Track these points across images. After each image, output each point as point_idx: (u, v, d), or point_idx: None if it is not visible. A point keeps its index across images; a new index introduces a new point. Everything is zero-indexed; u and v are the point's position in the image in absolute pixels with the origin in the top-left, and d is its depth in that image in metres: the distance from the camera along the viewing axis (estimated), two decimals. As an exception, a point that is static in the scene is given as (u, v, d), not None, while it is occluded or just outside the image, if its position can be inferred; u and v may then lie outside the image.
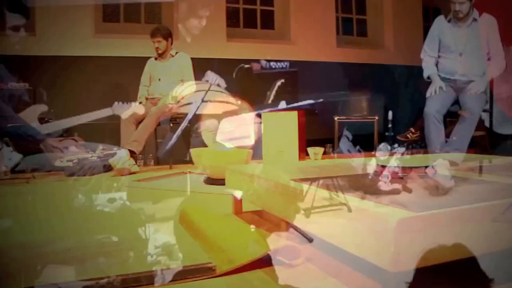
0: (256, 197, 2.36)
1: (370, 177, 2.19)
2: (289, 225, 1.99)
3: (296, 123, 3.77)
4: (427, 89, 5.31)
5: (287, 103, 5.20)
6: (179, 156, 4.80)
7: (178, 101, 4.90)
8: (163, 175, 4.22)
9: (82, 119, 4.79)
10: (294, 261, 1.78)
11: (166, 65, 5.09)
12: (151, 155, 5.18)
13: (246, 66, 5.83)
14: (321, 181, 2.07)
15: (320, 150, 4.31)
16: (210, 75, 4.88)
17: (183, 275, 1.64)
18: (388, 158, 2.37)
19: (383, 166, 2.14)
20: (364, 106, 6.01)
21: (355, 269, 1.64)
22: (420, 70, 5.86)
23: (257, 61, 5.94)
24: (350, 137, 5.10)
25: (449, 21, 4.32)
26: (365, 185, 1.99)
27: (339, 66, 6.38)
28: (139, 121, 4.72)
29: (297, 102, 5.32)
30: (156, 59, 5.15)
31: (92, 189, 3.73)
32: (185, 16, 5.93)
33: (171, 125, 4.91)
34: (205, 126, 5.37)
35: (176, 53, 5.12)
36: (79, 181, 3.98)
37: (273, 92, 5.81)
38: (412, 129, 5.50)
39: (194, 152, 3.76)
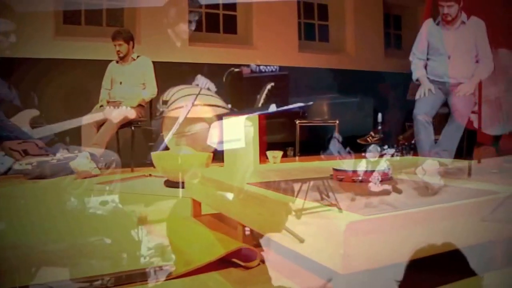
0: (213, 200, 2.39)
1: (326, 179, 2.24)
2: (245, 228, 2.02)
3: (257, 126, 3.81)
4: (390, 94, 5.41)
5: (277, 106, 5.25)
6: (141, 158, 4.79)
7: (169, 105, 4.92)
8: (124, 178, 4.21)
9: (73, 123, 4.76)
10: (250, 263, 1.80)
11: (128, 68, 5.07)
12: (113, 158, 5.15)
13: (236, 70, 5.87)
14: (277, 185, 2.11)
15: (279, 153, 4.36)
16: (201, 79, 4.90)
17: (140, 277, 1.66)
18: (345, 161, 2.42)
19: (337, 170, 2.19)
20: (325, 110, 6.07)
21: (309, 271, 1.68)
22: (383, 75, 5.97)
23: (246, 66, 5.98)
24: (340, 139, 5.19)
25: (437, 24, 4.35)
26: (319, 188, 2.03)
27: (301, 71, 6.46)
28: (100, 124, 4.70)
29: (287, 105, 5.40)
30: (117, 62, 5.13)
31: (52, 192, 3.71)
32: (148, 20, 5.94)
33: (133, 128, 4.89)
34: (167, 129, 5.38)
35: (138, 56, 5.10)
36: (38, 184, 3.95)
37: (263, 95, 5.85)
38: (372, 133, 5.61)
39: (155, 155, 3.76)
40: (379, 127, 5.46)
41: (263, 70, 6.10)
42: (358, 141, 5.66)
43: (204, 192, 2.57)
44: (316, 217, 1.51)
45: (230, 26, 6.81)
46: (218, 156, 3.88)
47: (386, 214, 1.48)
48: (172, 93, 5.20)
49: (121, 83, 5.06)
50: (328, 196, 1.63)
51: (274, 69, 6.17)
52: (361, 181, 2.08)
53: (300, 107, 5.88)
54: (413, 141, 5.18)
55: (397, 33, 8.26)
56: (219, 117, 5.09)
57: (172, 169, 3.61)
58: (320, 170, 2.52)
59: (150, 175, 4.26)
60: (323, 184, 1.67)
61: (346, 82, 6.55)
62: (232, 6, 6.80)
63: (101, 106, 4.95)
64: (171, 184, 3.61)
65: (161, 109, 4.95)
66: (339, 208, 1.50)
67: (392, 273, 1.50)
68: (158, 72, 5.13)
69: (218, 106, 5.27)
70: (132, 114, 4.72)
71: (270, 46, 6.58)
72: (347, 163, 2.56)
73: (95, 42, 5.65)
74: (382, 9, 7.66)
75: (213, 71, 5.52)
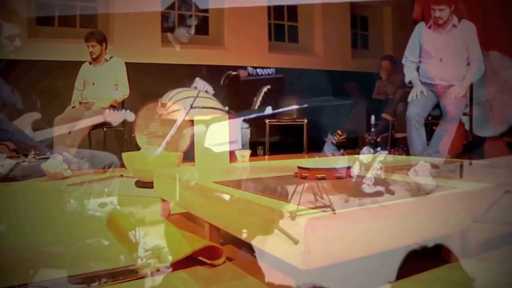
0: (181, 200, 2.43)
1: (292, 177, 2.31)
2: (212, 227, 2.07)
3: (227, 126, 3.87)
4: (355, 93, 5.47)
5: (273, 108, 5.32)
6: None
7: (167, 107, 4.95)
8: (96, 179, 4.22)
9: (75, 126, 4.77)
10: (215, 261, 1.85)
11: (100, 69, 5.08)
12: (85, 159, 5.16)
13: (234, 73, 5.93)
14: (244, 183, 2.17)
15: (248, 152, 4.39)
16: (199, 82, 4.92)
17: (107, 277, 1.68)
18: (305, 160, 2.49)
19: (301, 168, 2.26)
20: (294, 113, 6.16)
21: (274, 268, 1.74)
22: (348, 75, 6.03)
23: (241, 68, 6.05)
24: (334, 140, 5.27)
25: (429, 27, 4.37)
26: (283, 186, 2.10)
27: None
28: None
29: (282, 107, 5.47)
30: (90, 63, 5.14)
31: (23, 194, 3.71)
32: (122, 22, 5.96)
33: (105, 129, 4.91)
34: (139, 129, 5.40)
35: (111, 57, 5.12)
36: (10, 186, 3.94)
37: (260, 98, 5.90)
38: (339, 132, 5.71)
39: (125, 155, 3.79)
40: (373, 129, 5.54)
41: (260, 73, 6.19)
42: (326, 139, 5.76)
43: (172, 192, 2.61)
44: (275, 214, 1.54)
45: (202, 27, 6.86)
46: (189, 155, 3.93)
47: (345, 210, 1.52)
48: (171, 96, 5.23)
49: (93, 84, 5.08)
50: (322, 197, 1.69)
51: (270, 72, 6.25)
52: (323, 179, 2.16)
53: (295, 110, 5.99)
54: (378, 139, 5.30)
55: (364, 33, 8.45)
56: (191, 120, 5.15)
57: (142, 169, 3.64)
58: (287, 168, 2.58)
59: (121, 175, 4.28)
60: (317, 186, 1.72)
61: (316, 82, 6.66)
62: (204, 8, 6.84)
63: (73, 107, 4.96)
64: (142, 184, 3.65)
65: (160, 112, 4.99)
66: (333, 210, 1.56)
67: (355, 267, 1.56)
68: (131, 73, 5.16)
69: (216, 109, 5.32)
70: (132, 117, 4.78)
71: (241, 47, 6.66)
72: (312, 162, 2.64)
73: (68, 43, 5.65)
74: (349, 11, 7.84)
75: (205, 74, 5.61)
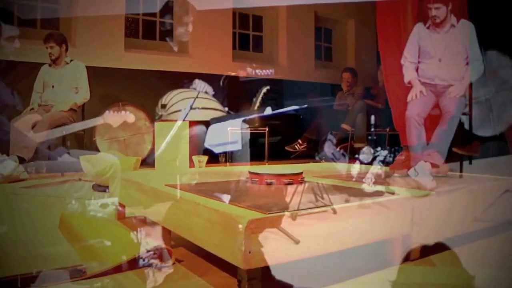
0: (134, 202, 2.45)
1: (242, 182, 2.35)
2: (164, 229, 2.09)
3: (188, 132, 3.89)
4: (316, 103, 5.54)
5: (272, 109, 5.34)
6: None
7: (167, 108, 4.94)
8: (52, 183, 4.18)
9: (75, 127, 4.71)
10: (165, 263, 1.87)
11: (60, 72, 5.02)
12: (43, 162, 5.10)
13: (233, 74, 5.95)
14: (194, 186, 2.20)
15: (204, 158, 4.42)
16: (198, 83, 4.91)
17: (54, 277, 1.68)
18: (259, 167, 2.53)
19: (252, 173, 2.30)
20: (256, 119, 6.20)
21: (220, 268, 1.77)
22: (310, 85, 6.09)
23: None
24: (334, 141, 5.30)
25: (428, 28, 4.41)
26: (230, 190, 2.14)
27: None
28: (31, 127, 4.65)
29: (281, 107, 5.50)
30: (50, 65, 5.08)
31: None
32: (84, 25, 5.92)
33: (64, 132, 4.87)
34: (100, 134, 5.38)
35: (71, 60, 5.07)
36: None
37: (259, 99, 5.91)
38: (299, 141, 5.78)
39: (83, 159, 3.77)
40: (372, 129, 5.56)
41: (259, 74, 6.24)
42: (286, 148, 5.82)
43: (127, 195, 2.62)
44: (219, 215, 1.58)
45: (166, 34, 6.86)
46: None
47: (286, 212, 1.57)
48: (171, 97, 5.21)
49: (53, 86, 5.01)
50: (322, 197, 1.72)
51: (269, 73, 6.30)
52: (271, 184, 2.21)
53: (294, 110, 6.03)
54: (338, 149, 5.36)
55: (327, 46, 8.60)
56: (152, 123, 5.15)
57: (99, 173, 3.63)
58: (242, 174, 2.62)
59: (80, 179, 4.25)
60: (318, 186, 1.75)
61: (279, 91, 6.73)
62: (169, 14, 6.83)
63: (32, 109, 4.90)
64: (99, 188, 3.64)
65: (160, 113, 4.98)
66: (334, 210, 1.57)
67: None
68: (92, 77, 5.13)
69: (216, 109, 5.33)
70: (131, 118, 4.75)
71: (205, 55, 6.67)
72: (265, 168, 2.68)
73: (28, 44, 5.57)
74: (314, 23, 7.96)
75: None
